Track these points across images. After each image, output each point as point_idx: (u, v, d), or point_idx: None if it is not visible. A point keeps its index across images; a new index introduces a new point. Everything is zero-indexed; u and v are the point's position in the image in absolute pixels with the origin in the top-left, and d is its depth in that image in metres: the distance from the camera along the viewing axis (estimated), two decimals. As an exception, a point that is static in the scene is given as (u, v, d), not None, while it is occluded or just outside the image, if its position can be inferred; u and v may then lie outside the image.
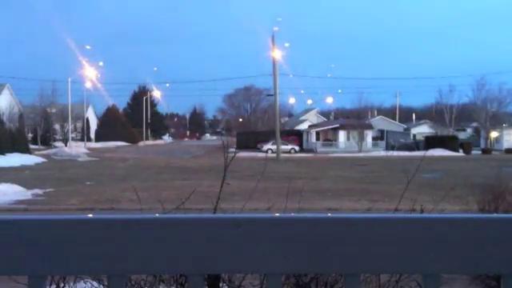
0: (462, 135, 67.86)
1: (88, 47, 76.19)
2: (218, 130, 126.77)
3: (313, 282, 3.94)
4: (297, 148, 60.14)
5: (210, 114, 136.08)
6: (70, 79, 66.26)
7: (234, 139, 66.59)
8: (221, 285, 3.96)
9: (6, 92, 66.48)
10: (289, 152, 54.98)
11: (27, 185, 22.34)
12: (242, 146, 58.63)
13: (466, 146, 57.01)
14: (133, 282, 3.92)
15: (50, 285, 3.50)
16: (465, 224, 1.07)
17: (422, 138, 63.13)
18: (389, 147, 60.41)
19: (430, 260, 1.05)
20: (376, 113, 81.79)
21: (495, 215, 1.35)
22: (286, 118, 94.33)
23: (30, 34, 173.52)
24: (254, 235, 1.05)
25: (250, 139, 64.86)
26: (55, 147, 60.27)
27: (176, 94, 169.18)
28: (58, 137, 70.51)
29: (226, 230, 1.05)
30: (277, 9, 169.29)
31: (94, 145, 73.71)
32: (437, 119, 70.51)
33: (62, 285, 3.76)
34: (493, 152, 56.66)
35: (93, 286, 3.94)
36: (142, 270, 1.15)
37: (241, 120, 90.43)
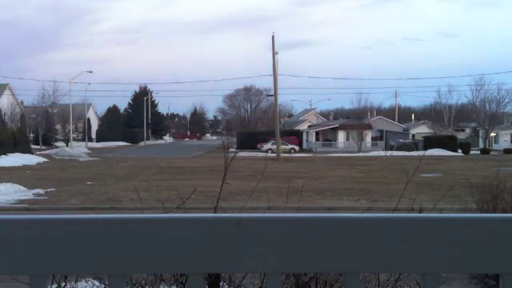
0: (460, 135, 67.87)
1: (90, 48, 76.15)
2: (219, 130, 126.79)
3: (312, 281, 3.95)
4: (296, 148, 60.12)
5: (210, 114, 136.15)
6: (71, 80, 66.30)
7: (235, 139, 66.61)
8: (221, 284, 3.97)
9: (7, 92, 66.49)
10: (289, 152, 54.92)
11: (29, 184, 22.34)
12: (242, 145, 58.64)
13: (465, 146, 56.90)
14: (134, 281, 3.94)
15: (52, 284, 3.51)
16: (463, 223, 1.08)
17: (421, 138, 63.05)
18: (388, 147, 60.41)
19: (429, 259, 1.05)
20: (375, 113, 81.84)
21: (494, 215, 1.36)
22: (286, 118, 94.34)
23: (32, 34, 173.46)
24: (254, 234, 1.06)
25: (250, 139, 64.81)
26: (56, 147, 60.12)
27: (177, 95, 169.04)
28: (59, 137, 70.43)
29: (227, 230, 1.06)
30: (276, 9, 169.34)
31: (94, 145, 73.72)
32: (436, 119, 70.41)
33: (63, 284, 3.78)
34: (491, 152, 56.59)
35: (94, 284, 3.96)
36: (143, 269, 1.15)
37: (241, 120, 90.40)
